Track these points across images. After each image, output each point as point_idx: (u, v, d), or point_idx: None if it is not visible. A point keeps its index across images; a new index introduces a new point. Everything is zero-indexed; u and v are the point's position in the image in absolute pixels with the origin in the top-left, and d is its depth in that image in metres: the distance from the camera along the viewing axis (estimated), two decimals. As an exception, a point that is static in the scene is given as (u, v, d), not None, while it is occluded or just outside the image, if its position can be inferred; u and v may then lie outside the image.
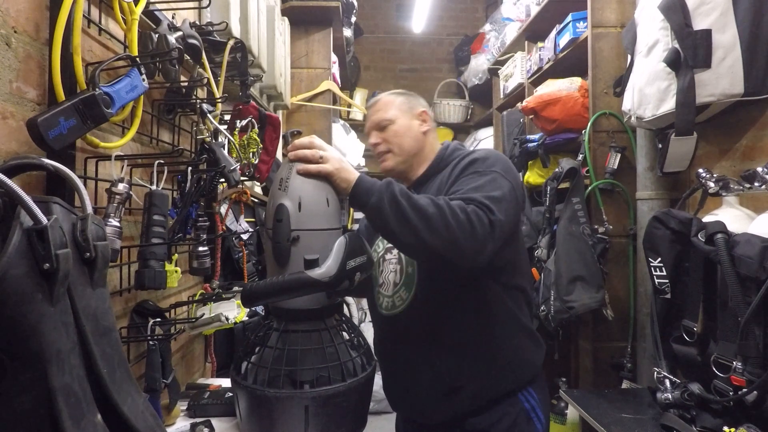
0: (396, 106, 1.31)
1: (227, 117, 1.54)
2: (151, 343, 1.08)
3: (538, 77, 2.85)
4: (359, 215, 3.86)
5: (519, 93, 3.26)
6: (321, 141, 1.04)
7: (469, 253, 0.99)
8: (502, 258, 1.17)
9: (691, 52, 1.44)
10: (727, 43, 1.41)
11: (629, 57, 1.80)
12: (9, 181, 0.54)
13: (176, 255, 1.18)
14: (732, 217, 1.34)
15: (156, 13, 1.10)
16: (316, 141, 1.03)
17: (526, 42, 3.12)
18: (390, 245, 1.30)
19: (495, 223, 1.01)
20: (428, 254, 1.02)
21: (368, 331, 3.84)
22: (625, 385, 1.98)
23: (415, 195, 1.03)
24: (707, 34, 1.42)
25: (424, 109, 1.35)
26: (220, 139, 1.32)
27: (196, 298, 1.45)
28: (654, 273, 1.45)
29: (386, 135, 1.30)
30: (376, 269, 1.31)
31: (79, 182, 0.67)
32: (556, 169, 2.19)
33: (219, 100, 1.34)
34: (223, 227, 1.66)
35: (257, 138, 1.55)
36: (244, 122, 1.51)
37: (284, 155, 1.05)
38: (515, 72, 3.27)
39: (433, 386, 1.19)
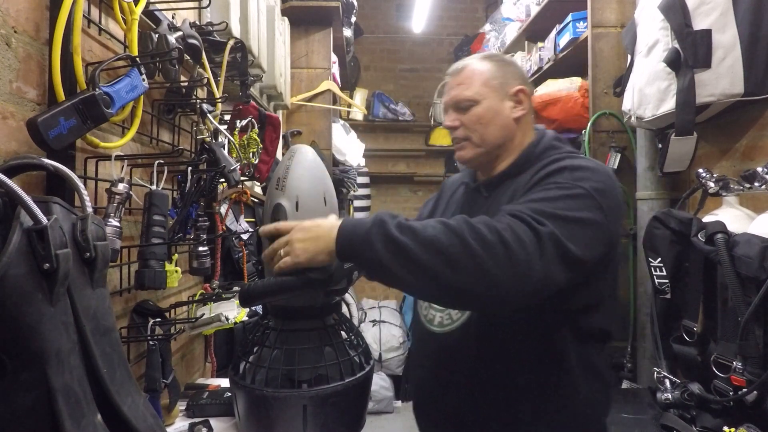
0: (484, 81, 1.03)
1: (227, 117, 1.54)
2: (151, 343, 1.08)
3: (538, 77, 2.85)
4: (359, 214, 3.87)
5: (519, 93, 3.26)
6: (281, 226, 0.88)
7: (511, 286, 0.75)
8: (579, 300, 0.92)
9: (691, 52, 1.44)
10: (727, 43, 1.40)
11: (629, 57, 1.80)
12: (9, 181, 0.54)
13: (176, 255, 1.18)
14: (732, 217, 1.34)
15: (156, 13, 1.10)
16: (277, 243, 0.87)
17: (526, 42, 3.12)
18: None
19: (545, 241, 0.76)
20: (461, 300, 0.82)
21: (367, 331, 3.85)
22: (625, 385, 1.98)
23: (421, 224, 0.80)
24: (707, 34, 1.42)
25: (521, 86, 1.04)
26: (220, 139, 1.32)
27: (196, 298, 1.45)
28: (654, 273, 1.45)
29: (466, 118, 1.03)
30: None
31: (79, 182, 0.67)
32: (556, 169, 2.19)
33: (219, 100, 1.34)
34: (223, 227, 1.66)
35: (257, 138, 1.55)
36: (244, 122, 1.51)
37: (284, 155, 1.05)
38: (515, 72, 3.27)
39: (469, 420, 1.00)
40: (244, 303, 0.89)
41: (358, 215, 3.85)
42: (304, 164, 0.99)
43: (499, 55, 1.11)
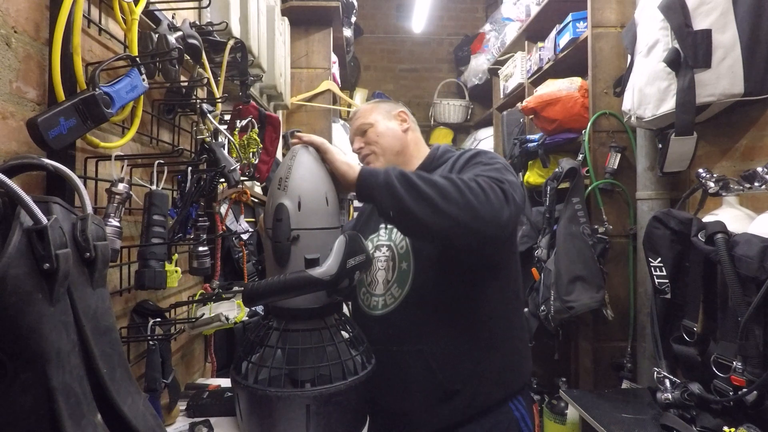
0: (374, 111, 1.38)
1: (227, 117, 1.54)
2: (151, 343, 1.07)
3: (538, 77, 2.85)
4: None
5: (519, 93, 3.26)
6: (316, 139, 1.07)
7: (488, 220, 0.99)
8: (499, 256, 1.22)
9: (691, 52, 1.44)
10: (727, 43, 1.41)
11: (629, 57, 1.80)
12: (9, 181, 0.54)
13: (176, 255, 1.18)
14: (732, 217, 1.34)
15: (156, 13, 1.10)
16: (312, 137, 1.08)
17: (526, 42, 3.12)
18: (380, 242, 1.27)
19: (507, 192, 1.03)
20: (447, 227, 0.99)
21: (368, 331, 3.82)
22: (625, 385, 1.98)
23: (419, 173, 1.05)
24: (707, 34, 1.42)
25: (401, 110, 1.41)
26: (220, 139, 1.31)
27: (196, 298, 1.45)
28: (654, 273, 1.45)
29: (367, 138, 1.34)
30: None
31: (79, 182, 0.67)
32: (556, 169, 2.19)
33: (219, 100, 1.34)
34: (223, 227, 1.66)
35: (257, 138, 1.55)
36: (244, 122, 1.51)
37: (284, 155, 1.05)
38: (515, 72, 3.27)
39: (427, 390, 1.15)
40: (247, 302, 0.89)
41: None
42: (305, 164, 0.99)
43: (379, 99, 1.56)
